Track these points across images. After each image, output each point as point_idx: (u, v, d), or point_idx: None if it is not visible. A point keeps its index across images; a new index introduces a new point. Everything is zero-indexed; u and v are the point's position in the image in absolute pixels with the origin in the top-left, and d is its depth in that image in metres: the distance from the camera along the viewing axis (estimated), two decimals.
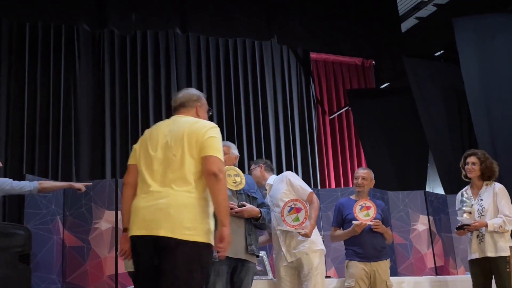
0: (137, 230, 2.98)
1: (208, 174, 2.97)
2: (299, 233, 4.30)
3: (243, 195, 4.26)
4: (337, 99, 9.88)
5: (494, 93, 6.53)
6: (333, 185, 9.12)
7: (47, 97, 7.35)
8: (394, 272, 5.06)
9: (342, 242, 4.83)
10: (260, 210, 4.24)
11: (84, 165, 7.38)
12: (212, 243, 2.99)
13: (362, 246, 4.61)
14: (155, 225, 2.91)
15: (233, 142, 8.28)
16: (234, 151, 4.45)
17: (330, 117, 9.70)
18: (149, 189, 3.00)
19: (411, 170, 8.27)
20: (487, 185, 4.74)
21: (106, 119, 7.66)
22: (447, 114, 7.62)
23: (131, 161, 3.20)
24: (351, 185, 7.19)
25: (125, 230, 3.10)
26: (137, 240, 2.97)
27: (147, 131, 3.24)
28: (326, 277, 4.83)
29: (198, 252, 2.92)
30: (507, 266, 4.50)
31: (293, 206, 4.36)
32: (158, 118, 7.85)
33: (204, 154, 3.01)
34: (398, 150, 8.37)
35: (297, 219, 4.33)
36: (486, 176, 4.75)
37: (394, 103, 8.57)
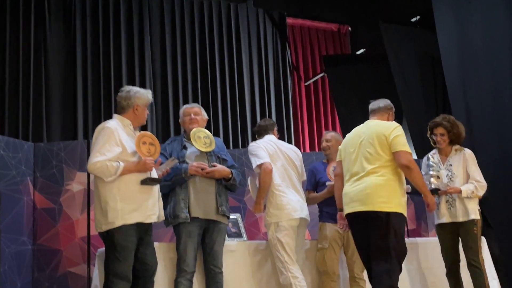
0: (348, 209, 3.95)
1: (401, 167, 3.87)
2: None
3: (214, 156, 4.26)
4: (313, 65, 9.88)
5: (470, 60, 6.55)
6: (307, 150, 9.16)
7: (16, 56, 7.18)
8: None
9: (316, 206, 4.84)
10: (231, 171, 4.22)
11: (56, 125, 7.27)
12: (402, 212, 3.87)
13: (335, 207, 4.62)
14: (359, 204, 3.87)
15: (208, 108, 8.27)
16: (205, 113, 4.44)
17: (306, 83, 9.69)
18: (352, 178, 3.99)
19: None
20: (456, 150, 4.80)
21: (78, 79, 7.54)
22: (422, 81, 7.65)
23: (338, 158, 4.26)
24: None
25: (341, 210, 4.19)
26: (350, 216, 3.98)
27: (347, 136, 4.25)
28: None
29: (391, 219, 3.80)
30: (474, 228, 4.61)
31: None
32: (131, 79, 7.76)
33: (394, 149, 3.90)
34: None
35: None
36: (455, 142, 4.80)
37: (370, 70, 8.57)
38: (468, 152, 4.80)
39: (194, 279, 4.07)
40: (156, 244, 4.00)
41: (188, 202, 4.07)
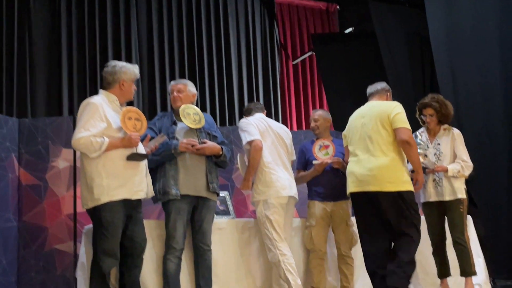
0: (355, 188, 4.09)
1: (402, 142, 3.99)
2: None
3: (204, 133, 4.21)
4: (301, 44, 9.83)
5: (458, 39, 6.55)
6: (295, 128, 9.15)
7: None
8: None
9: (305, 184, 4.84)
10: (222, 148, 4.19)
11: (40, 101, 7.18)
12: (409, 188, 4.02)
13: (323, 185, 4.62)
14: (366, 184, 4.02)
15: (195, 85, 8.19)
16: (192, 88, 4.35)
17: (294, 62, 9.65)
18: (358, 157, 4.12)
19: None
20: (444, 130, 4.81)
21: (63, 54, 7.43)
22: (410, 59, 7.64)
23: (344, 144, 4.39)
24: None
25: None
26: (354, 195, 4.12)
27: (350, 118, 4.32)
28: None
29: (399, 198, 3.97)
30: (461, 207, 4.66)
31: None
32: (116, 54, 7.66)
33: (395, 126, 4.02)
34: (361, 95, 8.36)
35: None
36: (443, 121, 4.81)
37: (358, 48, 8.53)
38: (456, 132, 4.82)
39: (183, 256, 4.06)
40: (144, 221, 3.98)
41: (177, 179, 4.04)
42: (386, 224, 4.06)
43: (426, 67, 7.61)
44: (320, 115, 4.84)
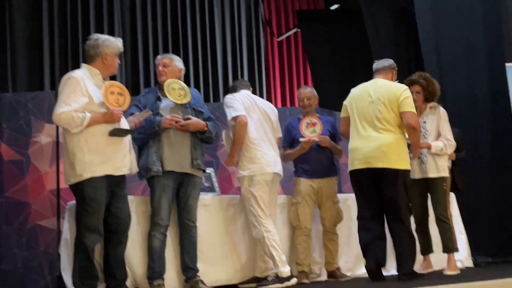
0: (361, 164, 4.17)
1: (409, 126, 4.16)
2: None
3: (189, 109, 4.16)
4: (286, 20, 9.78)
5: (444, 14, 6.57)
6: (279, 105, 9.13)
7: None
8: (339, 190, 5.14)
9: (290, 161, 4.84)
10: (207, 123, 4.15)
11: (21, 75, 7.05)
12: (409, 168, 4.25)
13: (310, 162, 4.62)
14: (375, 160, 4.12)
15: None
16: (178, 63, 4.28)
17: (279, 39, 9.60)
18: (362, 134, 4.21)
19: None
20: (431, 108, 4.82)
21: (44, 28, 7.30)
22: (395, 36, 7.64)
23: (343, 114, 4.44)
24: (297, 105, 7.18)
25: None
26: (358, 172, 4.21)
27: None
28: None
29: (401, 175, 4.14)
30: (444, 184, 4.71)
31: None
32: (99, 28, 7.54)
33: (403, 109, 4.17)
34: (345, 72, 8.39)
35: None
36: (430, 99, 4.83)
37: (344, 25, 8.51)
38: (442, 110, 4.85)
39: (168, 233, 4.04)
40: (130, 197, 3.95)
41: (161, 155, 4.00)
42: (383, 202, 4.20)
43: (411, 45, 7.61)
44: (313, 93, 4.82)
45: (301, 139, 4.60)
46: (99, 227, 3.59)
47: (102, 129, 3.59)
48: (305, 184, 4.60)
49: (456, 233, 4.80)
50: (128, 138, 3.76)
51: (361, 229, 4.29)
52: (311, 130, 4.63)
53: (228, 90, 4.84)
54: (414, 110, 4.24)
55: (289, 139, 4.76)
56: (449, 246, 4.68)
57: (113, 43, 3.77)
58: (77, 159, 3.54)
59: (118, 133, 3.62)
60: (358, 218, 4.34)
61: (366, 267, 4.27)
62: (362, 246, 4.28)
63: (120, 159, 3.66)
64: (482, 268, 5.30)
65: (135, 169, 3.84)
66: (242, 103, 4.38)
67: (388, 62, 4.49)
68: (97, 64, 3.73)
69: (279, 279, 4.18)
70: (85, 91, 3.56)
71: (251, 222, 4.30)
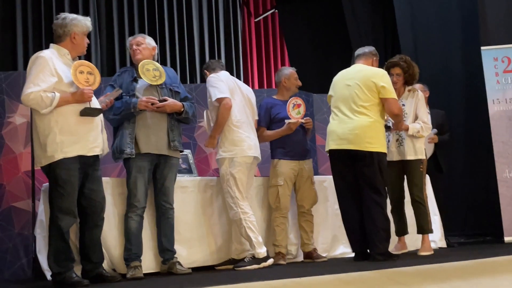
0: (335, 145, 4.24)
1: (391, 114, 4.30)
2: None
3: (165, 89, 4.13)
4: (263, 1, 9.68)
5: None
6: (256, 87, 9.10)
7: None
8: (315, 172, 5.16)
9: (266, 143, 4.83)
10: (183, 104, 4.12)
11: None
12: (384, 150, 4.29)
13: (292, 144, 4.63)
14: (347, 142, 4.19)
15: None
16: (151, 41, 4.24)
17: (256, 20, 9.52)
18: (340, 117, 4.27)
19: (335, 73, 8.30)
20: (409, 91, 4.86)
21: (17, 6, 7.13)
22: (373, 19, 7.63)
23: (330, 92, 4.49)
24: (274, 87, 7.16)
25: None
26: (334, 152, 4.28)
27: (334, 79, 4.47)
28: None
29: (375, 158, 4.19)
30: (421, 166, 4.76)
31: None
32: (73, 7, 7.42)
33: (384, 96, 4.22)
34: (322, 54, 8.37)
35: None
36: (409, 83, 4.86)
37: (321, 6, 8.45)
38: (420, 93, 4.90)
39: (145, 215, 4.04)
40: (106, 179, 3.91)
41: (136, 137, 3.97)
42: (360, 183, 4.23)
43: (388, 26, 7.62)
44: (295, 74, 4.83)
45: (287, 121, 4.59)
46: (73, 208, 3.56)
47: (72, 109, 3.53)
48: (286, 166, 4.60)
49: (430, 214, 4.87)
50: (100, 118, 3.70)
51: (343, 212, 4.35)
52: (297, 112, 4.64)
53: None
54: (395, 95, 4.30)
55: (267, 120, 4.72)
56: (424, 228, 4.75)
57: (82, 22, 3.70)
58: (48, 140, 3.48)
59: (89, 112, 3.56)
60: (339, 199, 4.39)
61: (352, 249, 4.38)
62: (346, 229, 4.36)
63: (93, 139, 3.61)
64: (455, 248, 5.39)
65: (106, 150, 3.79)
66: (227, 84, 4.35)
67: (369, 48, 4.55)
68: (65, 43, 3.67)
69: (256, 260, 4.20)
70: (53, 70, 3.50)
71: (228, 203, 4.30)
